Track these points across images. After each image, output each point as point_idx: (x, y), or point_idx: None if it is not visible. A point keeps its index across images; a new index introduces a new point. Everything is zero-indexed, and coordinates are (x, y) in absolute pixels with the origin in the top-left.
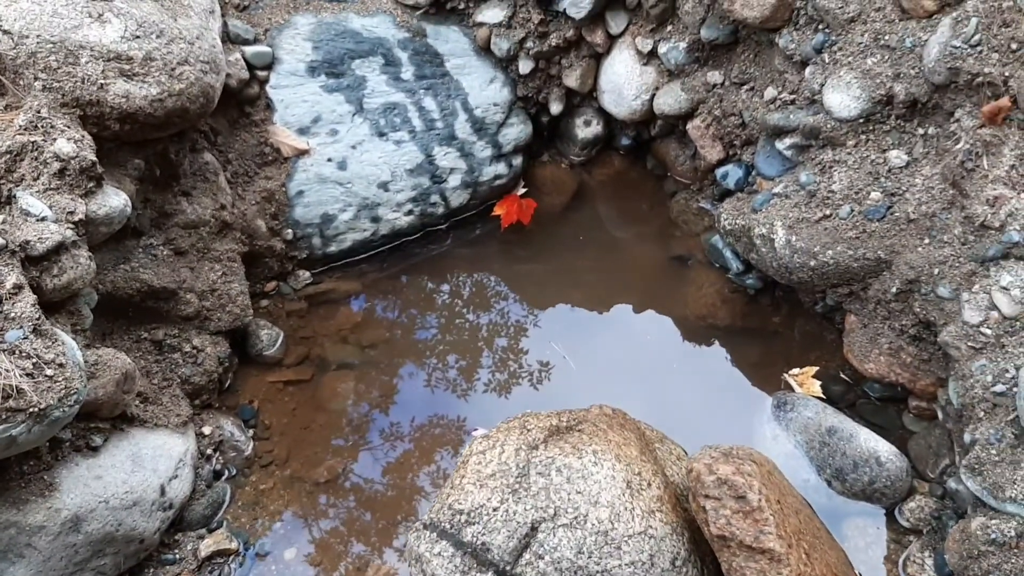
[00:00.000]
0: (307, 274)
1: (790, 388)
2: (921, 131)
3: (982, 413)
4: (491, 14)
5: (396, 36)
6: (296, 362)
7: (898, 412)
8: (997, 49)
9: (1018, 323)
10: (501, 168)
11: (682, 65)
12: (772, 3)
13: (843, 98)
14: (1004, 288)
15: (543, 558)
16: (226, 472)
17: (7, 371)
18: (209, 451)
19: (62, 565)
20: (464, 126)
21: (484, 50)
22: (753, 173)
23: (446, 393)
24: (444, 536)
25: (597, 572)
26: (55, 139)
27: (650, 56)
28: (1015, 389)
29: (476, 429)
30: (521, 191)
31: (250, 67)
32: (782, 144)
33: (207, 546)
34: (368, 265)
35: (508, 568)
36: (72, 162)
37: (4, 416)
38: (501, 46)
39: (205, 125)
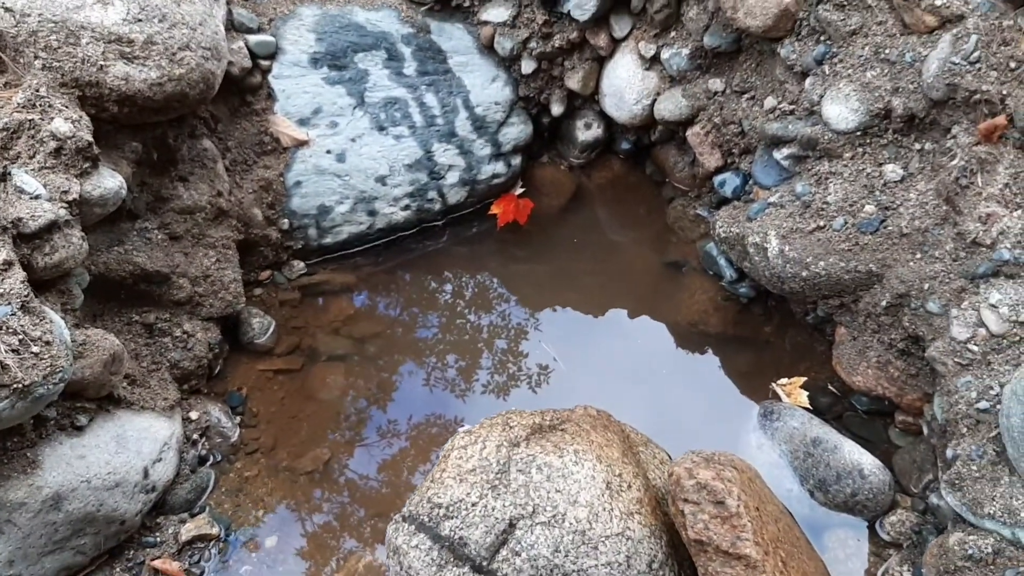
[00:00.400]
0: (302, 265)
1: (778, 398)
2: (918, 146)
3: (965, 429)
4: (496, 13)
5: (400, 31)
6: (287, 351)
7: (884, 426)
8: (996, 67)
9: (1005, 341)
10: (500, 167)
11: (684, 71)
12: (775, 13)
13: (841, 110)
14: (993, 306)
15: (520, 555)
16: (211, 458)
17: None
18: (195, 436)
19: (41, 543)
20: (464, 124)
21: (487, 49)
22: (750, 182)
23: (436, 389)
24: (422, 529)
25: (573, 571)
26: (52, 118)
27: (652, 61)
28: (998, 406)
29: (463, 425)
30: (519, 191)
31: (253, 56)
32: (780, 154)
33: (188, 530)
34: (363, 258)
35: (485, 564)
36: (68, 142)
37: None
38: (504, 45)
39: (205, 112)
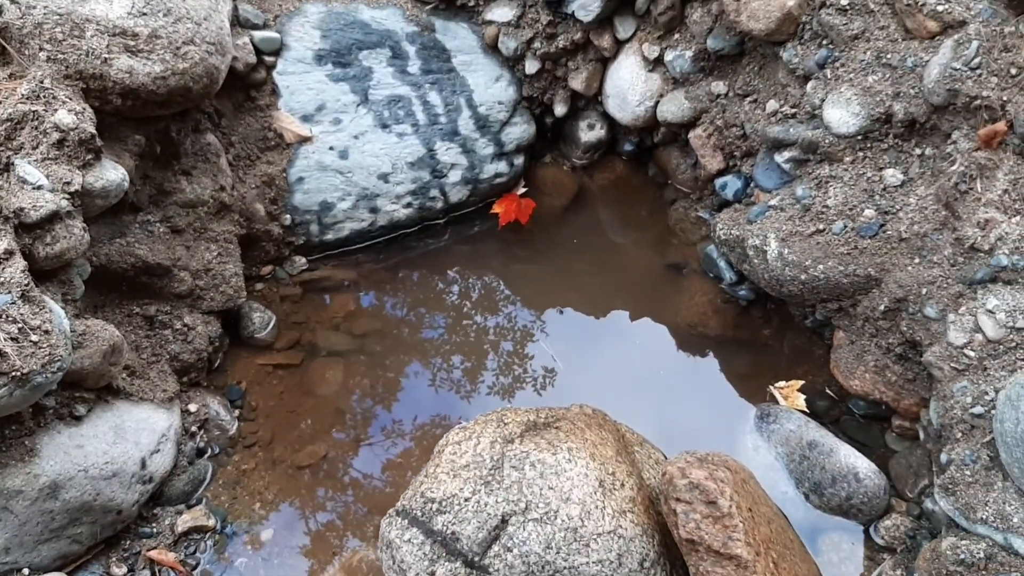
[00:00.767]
0: (303, 260)
1: (775, 400)
2: (918, 151)
3: (960, 434)
4: (500, 13)
5: (405, 29)
6: (287, 346)
7: (881, 431)
8: (996, 73)
9: (1001, 347)
10: (502, 167)
11: (687, 74)
12: (778, 16)
13: (842, 114)
14: (990, 311)
15: (511, 551)
16: (209, 450)
17: None
18: (194, 428)
19: (38, 530)
20: (467, 123)
21: (491, 48)
22: (752, 185)
23: (434, 386)
24: (415, 523)
25: (564, 568)
26: (56, 110)
27: (656, 63)
28: (993, 412)
29: (460, 422)
30: (521, 191)
31: (258, 52)
32: (781, 157)
33: (184, 522)
34: (364, 255)
35: (476, 559)
36: (71, 133)
37: None
38: (508, 45)
39: (209, 106)
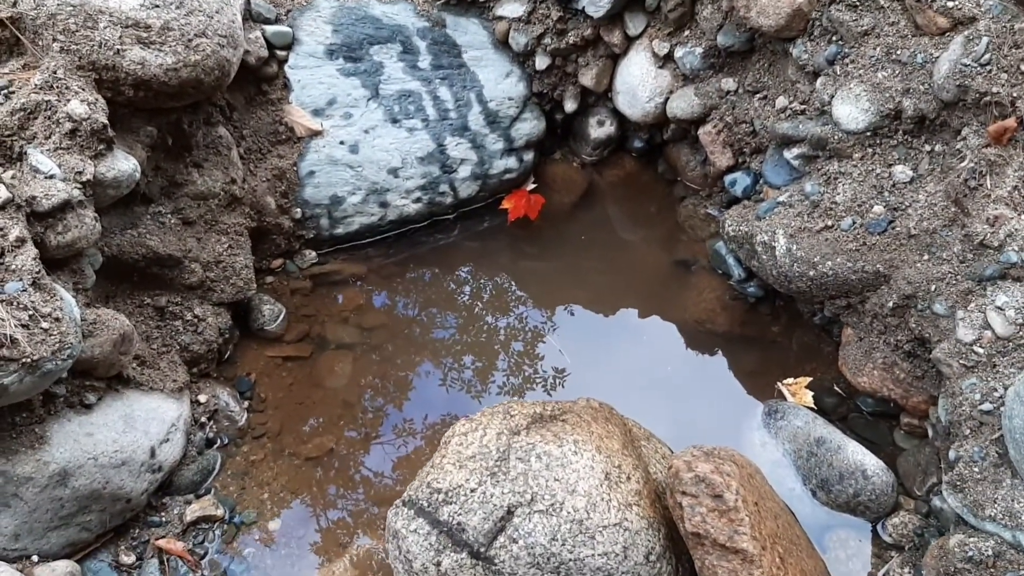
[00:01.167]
0: (313, 254)
1: (783, 397)
2: (927, 147)
3: (968, 431)
4: (511, 8)
5: (416, 24)
6: (296, 339)
7: (889, 428)
8: (1006, 69)
9: (1010, 343)
10: (512, 162)
11: (697, 70)
12: (788, 13)
13: (852, 110)
14: (999, 308)
15: (517, 542)
16: (218, 441)
17: (2, 320)
18: (203, 419)
19: (47, 517)
20: (477, 118)
21: (502, 44)
22: (761, 181)
23: (441, 380)
24: (421, 514)
25: (570, 560)
26: (69, 100)
27: (666, 59)
28: (1002, 408)
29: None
30: (530, 186)
31: (270, 46)
32: (790, 153)
33: (193, 511)
34: (374, 249)
35: (482, 550)
36: (84, 123)
37: None
38: (519, 41)
39: (221, 99)
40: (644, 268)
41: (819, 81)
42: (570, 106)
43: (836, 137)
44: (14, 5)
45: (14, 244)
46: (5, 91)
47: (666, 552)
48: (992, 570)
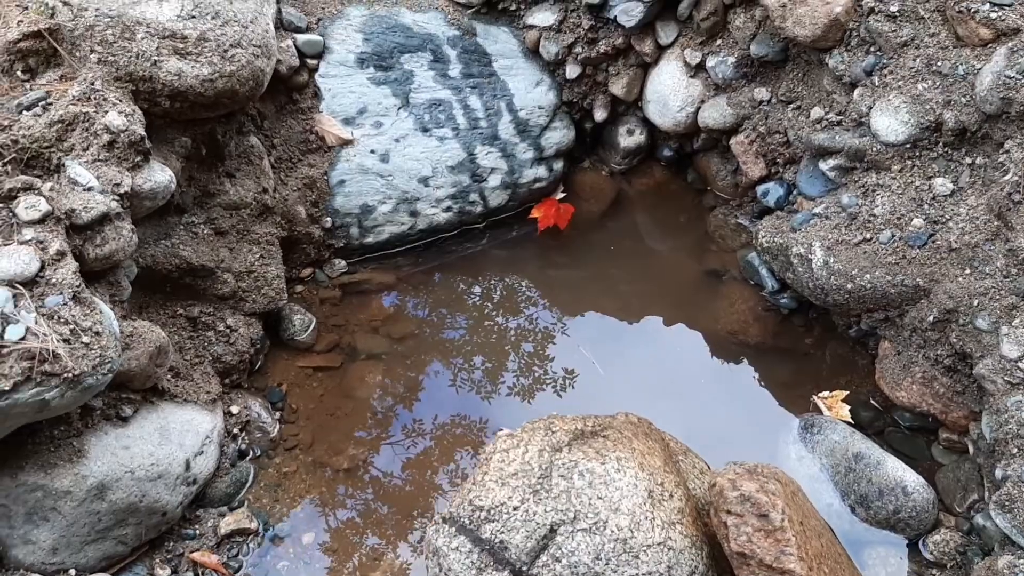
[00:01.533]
0: (343, 263)
1: (818, 411)
2: (968, 160)
3: (1016, 449)
4: (542, 17)
5: (446, 33)
6: (327, 349)
7: (927, 443)
8: None
9: None
10: (542, 171)
11: (729, 80)
12: (824, 23)
13: (891, 122)
14: None
15: (560, 561)
16: (251, 452)
17: (44, 335)
18: (236, 430)
19: (84, 531)
20: (508, 127)
21: (532, 52)
22: (794, 192)
23: (471, 392)
24: (463, 531)
25: None
26: (107, 112)
27: (698, 69)
28: None
29: (501, 429)
30: (560, 195)
31: (301, 55)
32: (826, 165)
33: (227, 524)
34: (404, 259)
35: (525, 568)
36: (121, 135)
37: (38, 379)
38: (550, 50)
39: (253, 109)
40: (674, 278)
41: (856, 92)
42: (600, 115)
43: (874, 149)
44: (52, 16)
45: (54, 257)
46: (43, 103)
47: (709, 571)
48: None
